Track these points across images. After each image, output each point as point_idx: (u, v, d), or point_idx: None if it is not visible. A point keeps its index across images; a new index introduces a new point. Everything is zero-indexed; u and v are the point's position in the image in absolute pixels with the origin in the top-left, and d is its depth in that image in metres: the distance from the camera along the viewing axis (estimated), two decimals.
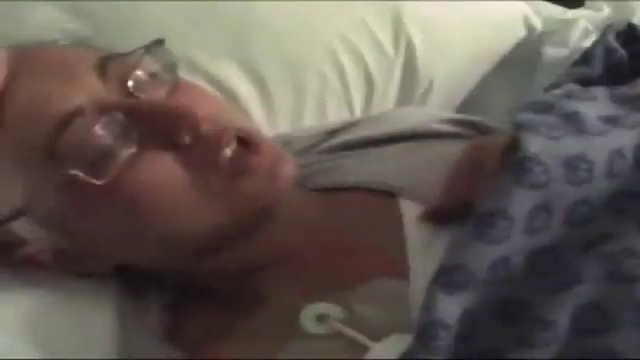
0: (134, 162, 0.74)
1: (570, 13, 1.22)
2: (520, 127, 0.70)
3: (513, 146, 0.69)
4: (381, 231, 0.79)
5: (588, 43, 1.12)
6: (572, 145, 0.69)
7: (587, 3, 1.29)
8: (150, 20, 0.95)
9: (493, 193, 0.66)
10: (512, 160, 0.67)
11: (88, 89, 0.75)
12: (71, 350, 0.78)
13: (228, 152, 0.76)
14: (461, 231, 0.67)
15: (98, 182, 0.73)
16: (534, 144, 0.67)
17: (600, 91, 0.79)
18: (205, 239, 0.77)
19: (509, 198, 0.66)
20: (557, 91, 0.83)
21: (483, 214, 0.66)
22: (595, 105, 0.75)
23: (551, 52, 1.15)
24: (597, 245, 0.68)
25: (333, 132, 0.97)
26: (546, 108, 0.74)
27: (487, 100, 1.15)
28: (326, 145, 0.95)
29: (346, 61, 1.02)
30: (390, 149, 0.89)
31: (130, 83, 0.76)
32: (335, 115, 1.02)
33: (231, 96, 0.96)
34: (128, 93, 0.76)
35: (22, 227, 0.77)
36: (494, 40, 1.15)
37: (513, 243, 0.67)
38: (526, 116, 0.72)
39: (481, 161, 0.73)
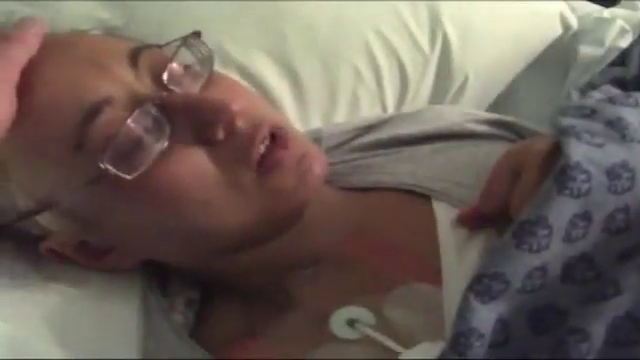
0: (165, 157, 0.73)
1: (606, 12, 1.20)
2: (563, 133, 0.69)
3: (555, 152, 0.68)
4: (414, 234, 0.78)
5: (624, 43, 1.11)
6: (615, 153, 0.68)
7: (622, 2, 1.27)
8: (183, 11, 0.94)
9: (534, 201, 0.65)
10: (555, 167, 0.66)
11: (119, 79, 0.74)
12: (93, 347, 0.77)
13: (261, 148, 0.75)
14: (500, 238, 0.66)
15: (129, 177, 0.72)
16: (577, 151, 0.66)
17: None
18: (235, 236, 0.76)
19: (550, 206, 0.65)
20: (598, 94, 0.82)
21: (524, 222, 0.65)
22: (638, 110, 0.74)
23: (586, 51, 1.14)
24: (634, 255, 0.66)
25: (366, 129, 0.95)
26: (589, 113, 0.73)
27: (520, 98, 1.14)
28: (359, 142, 0.93)
29: (380, 56, 1.00)
30: (425, 149, 0.88)
31: (165, 76, 0.75)
32: (368, 110, 1.01)
33: (263, 89, 0.95)
34: (162, 86, 0.75)
35: (48, 219, 0.77)
36: (530, 37, 1.13)
37: (551, 252, 0.66)
38: (569, 121, 0.71)
39: (521, 166, 0.71)
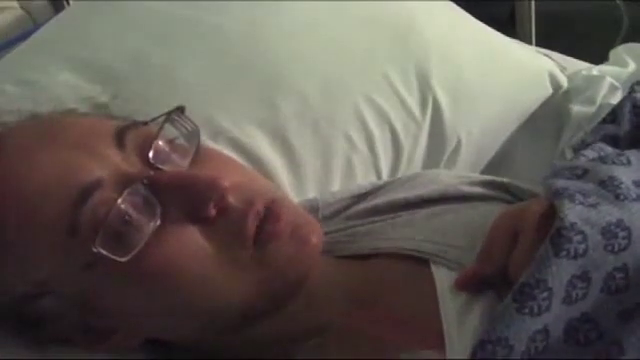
0: (158, 236, 0.71)
1: (595, 70, 1.21)
2: (556, 195, 0.69)
3: (550, 213, 0.69)
4: (415, 300, 0.77)
5: (614, 99, 1.12)
6: (610, 212, 0.68)
7: (612, 57, 1.28)
8: (172, 85, 0.94)
9: (533, 264, 0.66)
10: (551, 230, 0.66)
11: (107, 161, 0.73)
12: None
13: (256, 223, 0.74)
14: (500, 303, 0.66)
15: (123, 259, 0.70)
16: (572, 213, 0.66)
17: (634, 154, 0.77)
18: (236, 312, 0.75)
19: (549, 269, 0.65)
20: (591, 152, 0.82)
21: (524, 286, 0.65)
22: (629, 169, 0.74)
23: (579, 109, 1.15)
24: (635, 315, 0.66)
25: (362, 196, 0.95)
26: (581, 174, 0.74)
27: (515, 158, 1.15)
28: (355, 210, 0.93)
29: (372, 124, 1.01)
30: (421, 213, 0.88)
31: (151, 153, 0.74)
32: (362, 178, 1.00)
33: (256, 161, 0.94)
34: (149, 164, 0.74)
35: (48, 303, 0.75)
36: (521, 97, 1.14)
37: (552, 313, 0.65)
38: (562, 183, 0.71)
39: (517, 228, 0.71)
